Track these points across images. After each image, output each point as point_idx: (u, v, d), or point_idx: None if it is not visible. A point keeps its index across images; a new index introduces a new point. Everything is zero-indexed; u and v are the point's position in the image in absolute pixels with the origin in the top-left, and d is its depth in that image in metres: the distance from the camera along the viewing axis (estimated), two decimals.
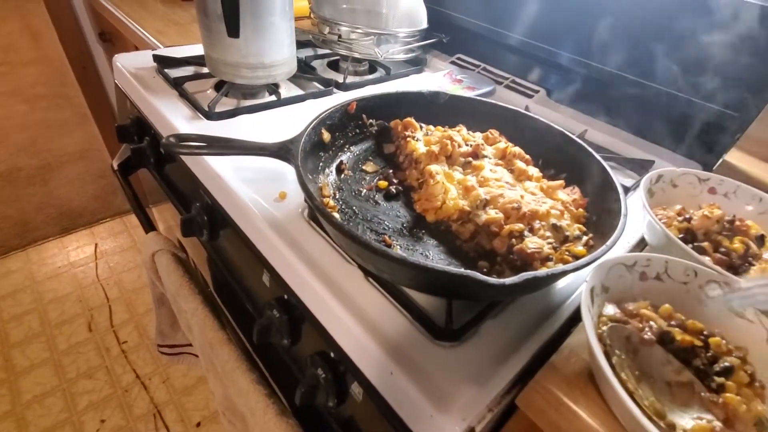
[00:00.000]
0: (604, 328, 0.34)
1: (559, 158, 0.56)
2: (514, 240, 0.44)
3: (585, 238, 0.45)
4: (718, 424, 0.29)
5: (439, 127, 0.61)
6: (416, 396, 0.35)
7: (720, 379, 0.32)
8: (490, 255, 0.45)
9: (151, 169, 0.82)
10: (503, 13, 0.88)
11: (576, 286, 0.47)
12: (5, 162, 1.55)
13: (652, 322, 0.35)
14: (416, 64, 0.97)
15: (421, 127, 0.60)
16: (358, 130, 0.61)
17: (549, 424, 0.35)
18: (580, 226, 0.47)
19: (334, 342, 0.42)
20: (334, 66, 0.95)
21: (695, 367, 0.33)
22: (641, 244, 0.53)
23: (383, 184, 0.54)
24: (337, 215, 0.48)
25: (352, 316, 0.40)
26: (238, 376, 0.51)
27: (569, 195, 0.50)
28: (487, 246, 0.46)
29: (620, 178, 0.64)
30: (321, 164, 0.54)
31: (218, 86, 0.77)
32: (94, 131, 1.69)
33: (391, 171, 0.57)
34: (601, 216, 0.47)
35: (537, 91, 0.87)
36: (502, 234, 0.45)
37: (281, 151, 0.47)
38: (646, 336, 0.33)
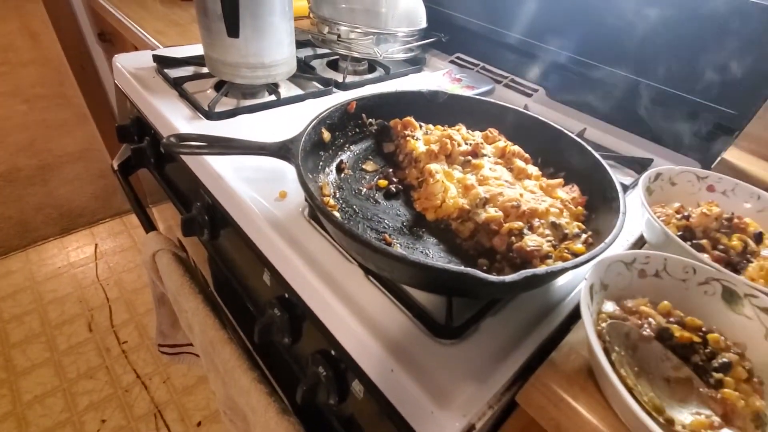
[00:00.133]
0: (604, 324, 0.35)
1: (558, 157, 0.56)
2: (513, 238, 0.44)
3: (584, 236, 0.45)
4: (716, 419, 0.29)
5: (439, 126, 0.61)
6: (417, 393, 0.35)
7: (718, 375, 0.32)
8: (490, 253, 0.45)
9: (151, 169, 0.82)
10: (502, 12, 0.88)
11: (576, 283, 0.47)
12: (5, 162, 1.55)
13: (651, 319, 0.35)
14: (415, 64, 0.97)
15: (420, 126, 0.60)
16: (357, 130, 0.61)
17: (549, 420, 0.35)
18: (580, 224, 0.47)
19: (335, 340, 0.42)
20: (333, 65, 0.95)
21: (694, 363, 0.33)
22: (640, 242, 0.53)
23: (383, 183, 0.54)
24: (337, 214, 0.48)
25: (353, 314, 0.40)
26: (239, 375, 0.52)
27: (568, 193, 0.51)
28: (486, 244, 0.46)
29: (619, 177, 0.64)
30: (321, 163, 0.55)
31: (218, 86, 0.77)
32: (93, 131, 1.69)
33: (390, 170, 0.57)
34: (600, 214, 0.47)
35: (536, 90, 0.87)
36: (501, 232, 0.45)
37: (281, 151, 0.47)
38: (645, 332, 0.34)
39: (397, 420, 0.37)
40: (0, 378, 1.29)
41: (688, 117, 0.70)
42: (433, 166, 0.52)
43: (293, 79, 0.82)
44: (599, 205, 0.48)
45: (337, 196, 0.52)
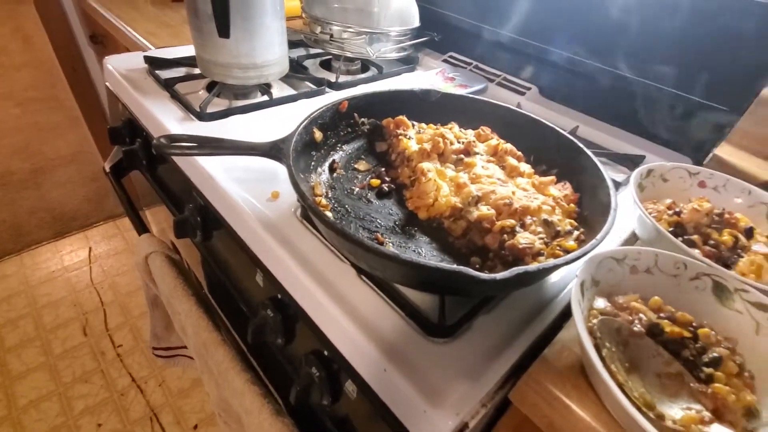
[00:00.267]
0: (595, 321, 0.35)
1: (550, 154, 0.56)
2: (505, 236, 0.44)
3: (576, 233, 0.45)
4: (707, 414, 0.29)
5: (431, 125, 0.61)
6: (409, 392, 0.35)
7: (709, 370, 0.32)
8: (483, 251, 0.45)
9: (143, 171, 0.81)
10: (495, 11, 0.89)
11: (568, 280, 0.47)
12: None
13: (641, 315, 0.35)
14: (408, 63, 0.97)
15: (413, 125, 0.60)
16: (350, 129, 0.61)
17: (541, 418, 0.35)
18: (572, 221, 0.47)
19: (328, 340, 0.42)
20: (326, 65, 0.95)
21: (684, 358, 0.33)
22: (633, 238, 0.53)
23: (376, 182, 0.54)
24: (329, 214, 0.48)
25: (346, 314, 0.40)
26: (232, 377, 0.51)
27: (560, 190, 0.51)
28: (479, 242, 0.46)
29: (612, 173, 0.65)
30: (313, 163, 0.54)
31: (210, 87, 0.77)
32: (85, 134, 1.68)
33: (383, 169, 0.57)
34: (592, 211, 0.47)
35: (529, 88, 0.87)
36: (493, 230, 0.45)
37: (273, 151, 0.47)
38: (635, 328, 0.34)
39: (390, 420, 0.37)
40: None
41: (680, 113, 0.70)
42: (426, 165, 0.52)
43: (286, 79, 0.82)
44: (591, 202, 0.48)
45: (330, 195, 0.52)
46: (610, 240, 0.51)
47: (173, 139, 0.45)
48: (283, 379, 0.56)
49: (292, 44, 0.92)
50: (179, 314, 0.62)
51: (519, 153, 0.56)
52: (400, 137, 0.57)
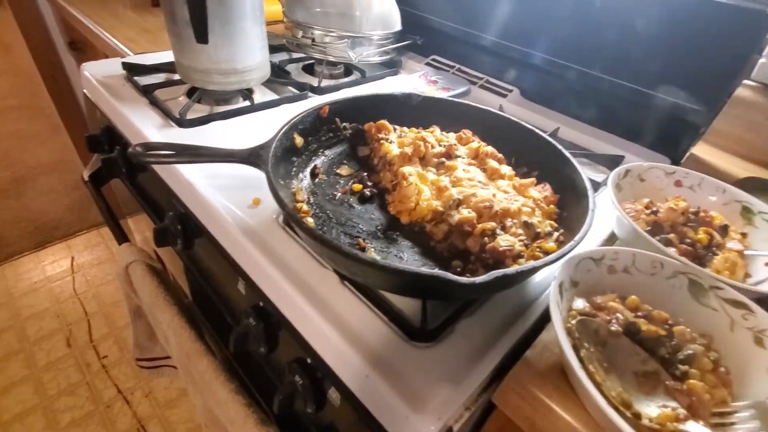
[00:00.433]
0: (573, 322, 0.35)
1: (530, 156, 0.57)
2: (486, 239, 0.44)
3: (556, 234, 0.45)
4: (682, 411, 0.30)
5: (413, 129, 0.61)
6: (391, 398, 0.35)
7: (684, 367, 0.32)
8: (464, 254, 0.46)
9: (123, 179, 0.80)
10: (476, 14, 0.89)
11: (550, 281, 0.47)
12: None
13: (619, 314, 0.35)
14: (392, 66, 0.97)
15: (394, 129, 0.60)
16: (331, 134, 0.60)
17: (524, 419, 0.35)
18: (552, 222, 0.48)
19: (311, 348, 0.42)
20: (309, 70, 0.94)
21: (660, 356, 0.33)
22: (612, 239, 0.54)
23: (358, 187, 0.54)
24: (310, 220, 0.48)
25: (328, 321, 0.40)
26: (216, 387, 0.51)
27: (541, 192, 0.51)
28: (460, 245, 0.46)
29: (592, 174, 0.66)
30: (294, 169, 0.54)
31: (190, 93, 0.76)
32: (66, 142, 1.65)
33: (365, 174, 0.57)
34: (571, 212, 0.48)
35: (511, 91, 0.88)
36: (474, 233, 0.45)
37: (251, 157, 0.46)
38: (613, 328, 0.34)
39: (374, 426, 0.37)
40: None
41: (657, 114, 0.71)
42: (407, 169, 0.52)
43: (268, 84, 0.81)
44: (570, 203, 0.48)
45: (311, 201, 0.52)
46: (590, 240, 0.52)
47: (149, 147, 0.44)
48: (268, 388, 0.56)
49: (274, 49, 0.92)
50: (161, 324, 0.61)
51: (500, 155, 0.57)
52: (381, 141, 0.57)
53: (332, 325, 0.40)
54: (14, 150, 1.55)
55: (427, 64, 1.00)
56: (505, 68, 0.90)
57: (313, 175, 0.55)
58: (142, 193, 0.77)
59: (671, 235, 0.45)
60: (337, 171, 0.57)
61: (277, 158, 0.48)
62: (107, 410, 1.26)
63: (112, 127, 0.74)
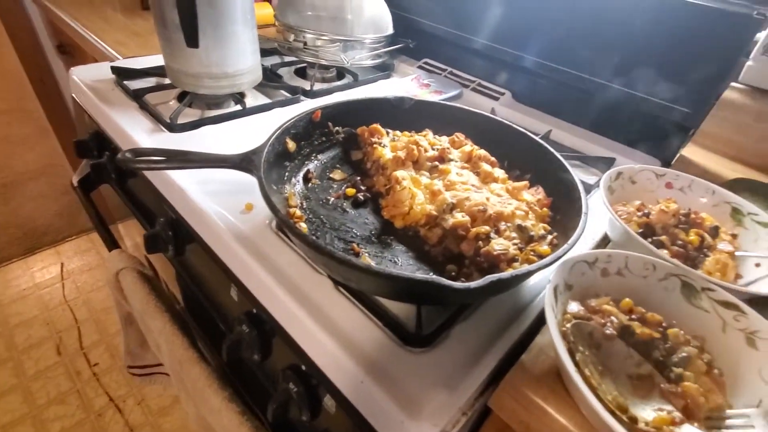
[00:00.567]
0: (568, 325, 0.35)
1: (523, 159, 0.57)
2: (480, 242, 0.44)
3: (549, 237, 0.46)
4: (677, 414, 0.30)
5: (406, 133, 0.61)
6: (387, 404, 0.35)
7: (678, 370, 0.33)
8: (458, 258, 0.46)
9: (113, 185, 0.79)
10: (468, 18, 0.90)
11: (544, 284, 0.47)
12: None
13: (613, 317, 0.35)
14: (384, 70, 0.97)
15: (387, 133, 0.60)
16: (324, 138, 0.60)
17: (519, 423, 0.35)
18: (545, 225, 0.48)
19: (305, 354, 0.41)
20: (301, 73, 0.94)
21: (655, 358, 0.34)
22: (605, 240, 0.54)
23: (351, 191, 0.54)
24: (304, 225, 0.48)
25: (323, 327, 0.40)
26: (209, 395, 0.50)
27: (534, 195, 0.51)
28: (454, 249, 0.46)
29: (584, 176, 0.66)
30: (287, 174, 0.54)
31: (181, 97, 0.75)
32: (55, 146, 1.63)
33: (358, 178, 0.56)
34: (564, 215, 0.48)
35: (503, 94, 0.88)
36: (469, 237, 0.45)
37: (243, 163, 0.46)
38: (607, 331, 0.34)
39: None
40: None
41: (648, 116, 0.72)
42: (400, 173, 0.52)
43: (260, 88, 0.81)
44: (563, 205, 0.49)
45: (304, 206, 0.51)
46: (583, 243, 0.52)
47: (139, 153, 0.43)
48: (263, 395, 0.55)
49: (266, 52, 0.91)
50: (153, 332, 0.60)
51: (493, 159, 0.57)
52: (374, 145, 0.57)
53: (327, 331, 0.39)
54: (1, 154, 1.53)
55: (419, 67, 1.00)
56: (497, 71, 0.91)
57: (306, 179, 0.55)
58: (132, 198, 0.76)
59: (663, 237, 0.45)
60: (330, 175, 0.57)
61: (270, 163, 0.48)
62: (98, 419, 1.24)
63: (101, 132, 0.73)
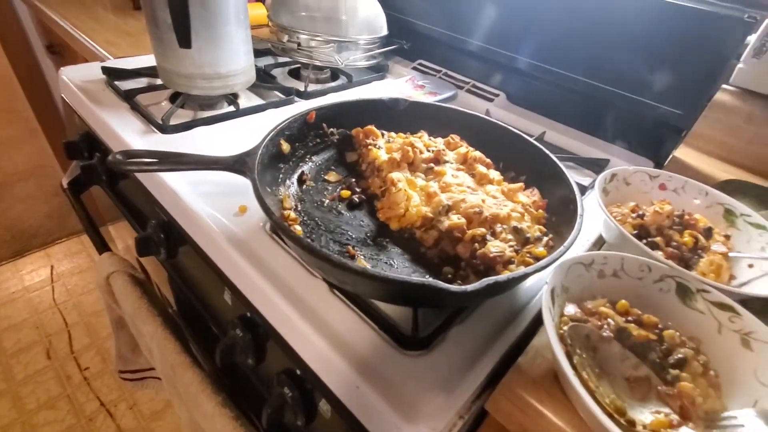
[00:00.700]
0: (565, 328, 0.35)
1: (518, 161, 0.57)
2: (477, 244, 0.44)
3: (545, 239, 0.46)
4: (675, 417, 0.30)
5: (401, 134, 0.60)
6: (383, 408, 0.34)
7: (675, 372, 0.33)
8: (455, 260, 0.45)
9: (104, 187, 0.78)
10: (462, 19, 0.90)
11: (540, 285, 0.47)
12: None
13: (610, 320, 0.35)
14: (378, 71, 0.97)
15: (382, 135, 0.60)
16: (318, 140, 0.60)
17: (516, 426, 0.35)
18: (541, 227, 0.48)
19: (300, 358, 0.41)
20: (295, 74, 0.94)
21: (651, 360, 0.34)
22: (600, 242, 0.54)
23: (346, 193, 0.54)
24: (298, 228, 0.47)
25: (318, 330, 0.39)
26: (202, 400, 0.49)
27: (529, 197, 0.51)
28: (451, 252, 0.46)
29: (578, 178, 0.66)
30: (281, 176, 0.53)
31: (173, 98, 0.74)
32: (45, 147, 1.61)
33: (353, 180, 0.56)
34: (560, 216, 0.48)
35: (497, 95, 0.88)
36: (465, 239, 0.45)
37: (237, 165, 0.45)
38: (604, 334, 0.34)
39: None
40: None
41: (641, 118, 0.72)
42: (396, 175, 0.52)
43: (253, 88, 0.80)
44: (559, 207, 0.49)
45: (299, 208, 0.51)
46: (578, 245, 0.52)
47: (130, 155, 0.43)
48: (257, 400, 0.55)
49: (259, 53, 0.91)
50: (145, 336, 0.59)
51: (488, 160, 0.57)
52: (369, 147, 0.57)
53: (322, 334, 0.39)
54: None
55: (414, 68, 1.00)
56: (491, 73, 0.91)
57: (301, 181, 0.55)
58: (123, 200, 0.75)
59: (657, 239, 0.46)
60: (325, 177, 0.57)
61: (264, 165, 0.47)
62: (89, 423, 1.23)
63: (91, 134, 0.72)
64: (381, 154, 0.55)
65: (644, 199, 0.53)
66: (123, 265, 0.68)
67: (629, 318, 0.37)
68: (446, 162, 0.55)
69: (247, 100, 0.78)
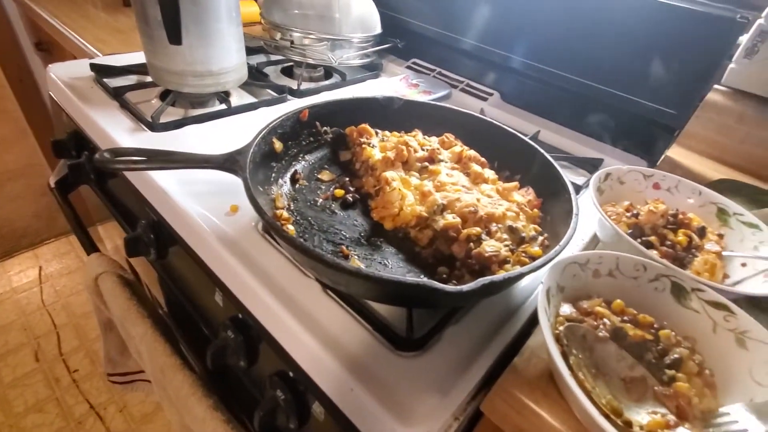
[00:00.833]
0: (561, 328, 0.34)
1: (513, 160, 0.57)
2: (472, 244, 0.44)
3: (540, 238, 0.45)
4: (671, 417, 0.30)
5: (395, 133, 0.60)
6: (377, 411, 0.34)
7: (671, 372, 0.32)
8: (450, 260, 0.45)
9: (92, 186, 0.76)
10: (456, 18, 0.89)
11: (536, 285, 0.47)
12: None
13: (605, 320, 0.35)
14: (372, 69, 0.96)
15: (376, 133, 0.59)
16: (312, 138, 0.59)
17: (512, 427, 0.34)
18: (536, 226, 0.48)
19: (293, 360, 0.40)
20: (288, 72, 0.93)
21: (647, 360, 0.33)
22: (594, 241, 0.54)
23: (340, 192, 0.53)
24: (291, 227, 0.46)
25: (311, 331, 0.39)
26: (193, 403, 0.48)
27: (524, 196, 0.51)
28: (445, 251, 0.45)
29: (573, 177, 0.66)
30: (274, 175, 0.52)
31: (164, 96, 0.73)
32: (34, 146, 1.58)
33: (347, 179, 0.55)
34: (555, 215, 0.48)
35: (491, 94, 0.88)
36: (460, 238, 0.44)
37: (228, 163, 0.45)
38: (600, 333, 0.34)
39: None
40: None
41: (634, 117, 0.73)
42: (390, 174, 0.51)
43: (245, 86, 0.79)
44: (554, 206, 0.48)
45: (292, 208, 0.50)
46: (573, 244, 0.52)
47: (118, 153, 0.42)
48: (249, 403, 0.54)
49: (252, 51, 0.90)
50: (134, 338, 0.58)
51: (483, 159, 0.56)
52: (363, 146, 0.56)
53: (315, 336, 0.38)
54: None
55: (408, 67, 0.99)
56: (485, 72, 0.91)
57: (294, 180, 0.54)
58: (112, 200, 0.73)
59: (652, 238, 0.46)
60: (319, 176, 0.56)
61: (256, 164, 0.46)
62: (79, 427, 1.21)
63: (79, 132, 0.70)
64: (375, 153, 0.55)
65: (638, 199, 0.53)
66: (112, 266, 0.66)
67: (625, 318, 0.36)
68: (441, 161, 0.55)
69: (239, 99, 0.77)
